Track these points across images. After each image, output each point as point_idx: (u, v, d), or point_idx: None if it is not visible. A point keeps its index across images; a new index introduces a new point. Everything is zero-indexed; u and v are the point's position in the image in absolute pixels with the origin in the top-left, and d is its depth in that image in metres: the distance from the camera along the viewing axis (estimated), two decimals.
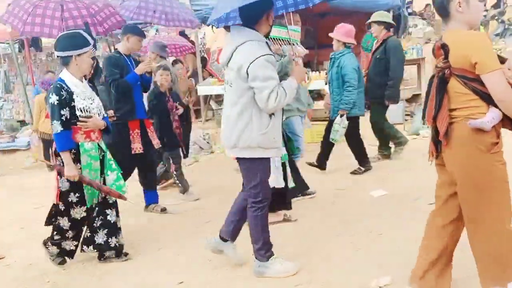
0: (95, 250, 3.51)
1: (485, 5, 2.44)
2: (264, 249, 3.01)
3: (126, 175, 4.22)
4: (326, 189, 4.92)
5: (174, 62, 7.46)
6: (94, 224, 3.47)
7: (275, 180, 3.49)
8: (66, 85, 3.25)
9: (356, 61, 5.30)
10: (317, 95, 8.90)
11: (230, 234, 3.19)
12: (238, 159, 2.99)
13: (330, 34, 5.32)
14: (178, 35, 9.95)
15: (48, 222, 3.55)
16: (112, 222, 3.50)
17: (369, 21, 5.70)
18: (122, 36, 4.65)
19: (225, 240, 3.20)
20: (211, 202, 4.98)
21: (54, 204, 3.45)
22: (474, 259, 2.31)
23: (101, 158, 3.41)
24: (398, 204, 4.14)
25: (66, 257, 3.54)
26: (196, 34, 9.71)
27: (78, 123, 3.28)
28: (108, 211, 3.48)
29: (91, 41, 3.35)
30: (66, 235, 3.45)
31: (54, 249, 3.51)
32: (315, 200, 4.59)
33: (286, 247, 3.42)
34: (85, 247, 3.53)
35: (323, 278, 2.95)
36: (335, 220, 3.95)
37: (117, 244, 3.52)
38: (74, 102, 3.25)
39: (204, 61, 9.82)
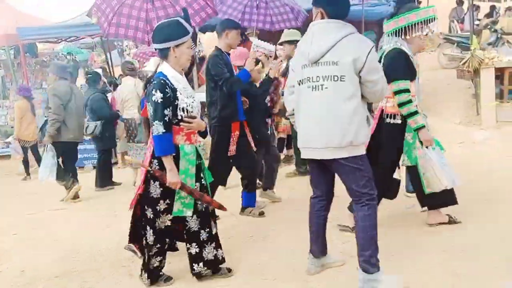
0: (206, 268, 3.13)
1: (477, 15, 2.55)
2: (375, 255, 2.72)
3: (220, 180, 4.21)
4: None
5: None
6: (200, 238, 3.09)
7: (449, 178, 3.47)
8: (169, 81, 2.90)
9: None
10: None
11: (322, 248, 3.10)
12: (342, 159, 2.70)
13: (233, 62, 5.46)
14: None
15: (133, 239, 3.27)
16: (215, 234, 3.17)
17: (280, 41, 5.58)
18: (220, 32, 4.32)
19: (321, 256, 3.10)
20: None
21: (136, 218, 3.16)
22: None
23: (197, 163, 3.06)
24: (392, 211, 4.15)
25: (150, 276, 3.14)
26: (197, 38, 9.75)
27: (181, 124, 2.95)
28: (211, 222, 3.15)
29: (190, 30, 2.99)
30: (151, 252, 3.08)
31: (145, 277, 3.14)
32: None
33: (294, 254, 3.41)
34: (195, 266, 3.12)
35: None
36: (328, 226, 3.95)
37: (222, 257, 3.20)
38: (177, 100, 2.91)
39: (198, 67, 9.84)
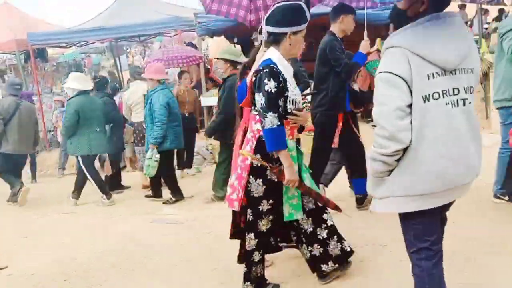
0: (337, 265, 2.94)
1: (486, 18, 2.43)
2: None
3: (319, 174, 4.14)
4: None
5: (181, 73, 7.53)
6: (319, 237, 2.90)
7: None
8: (279, 70, 2.63)
9: (167, 97, 5.50)
10: None
11: None
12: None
13: (144, 75, 5.55)
14: (185, 46, 10.03)
15: (243, 256, 2.98)
16: (332, 226, 2.94)
17: (217, 57, 5.53)
18: (334, 18, 4.25)
19: None
20: (212, 212, 4.97)
21: (244, 223, 2.88)
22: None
23: (298, 161, 2.84)
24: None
25: (258, 286, 2.89)
26: (200, 44, 9.80)
27: (288, 117, 2.70)
28: (324, 216, 2.93)
29: (308, 18, 2.72)
30: (254, 258, 2.83)
31: None
32: None
33: (290, 260, 3.40)
34: (324, 266, 2.92)
35: None
36: None
37: (350, 248, 2.99)
38: (287, 91, 2.66)
39: (207, 72, 9.90)
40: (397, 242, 3.50)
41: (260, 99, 2.60)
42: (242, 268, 3.33)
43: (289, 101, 2.67)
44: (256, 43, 9.99)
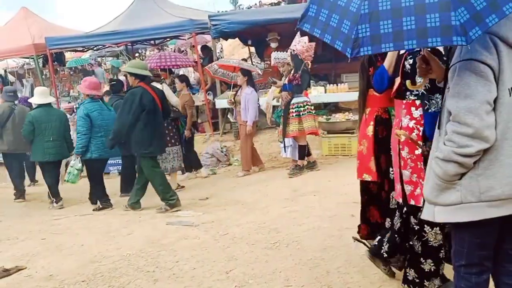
0: None
1: None
2: None
3: None
4: (345, 202, 4.88)
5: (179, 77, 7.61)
6: None
7: None
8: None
9: (87, 109, 5.90)
10: (334, 107, 8.89)
11: None
12: None
13: (78, 88, 5.92)
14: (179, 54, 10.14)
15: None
16: None
17: (123, 70, 6.04)
18: None
19: None
20: (228, 214, 4.98)
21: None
22: None
23: None
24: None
25: None
26: (214, 47, 9.84)
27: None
28: None
29: None
30: (426, 266, 2.51)
31: None
32: (334, 212, 4.55)
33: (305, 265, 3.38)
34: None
35: None
36: (353, 234, 3.91)
37: None
38: None
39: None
40: None
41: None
42: (257, 270, 3.34)
43: None
44: (272, 45, 10.08)
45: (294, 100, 6.27)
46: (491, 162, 1.75)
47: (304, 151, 6.51)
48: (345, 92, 8.45)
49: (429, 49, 2.14)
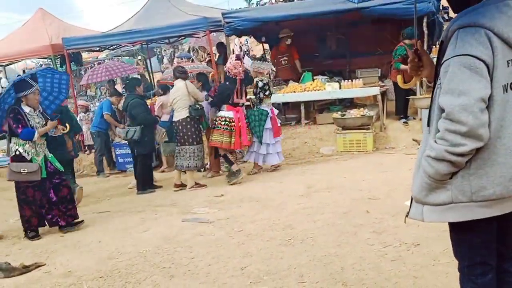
0: None
1: None
2: None
3: None
4: (360, 198, 4.86)
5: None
6: None
7: None
8: None
9: None
10: (349, 103, 8.83)
11: None
12: None
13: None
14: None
15: None
16: None
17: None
18: None
19: None
20: (243, 211, 5.00)
21: None
22: None
23: None
24: None
25: None
26: (228, 44, 9.85)
27: None
28: None
29: None
30: None
31: None
32: (349, 208, 4.53)
33: (320, 259, 3.38)
34: None
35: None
36: (368, 230, 3.89)
37: None
38: None
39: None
40: (430, 242, 3.45)
41: None
42: (272, 266, 3.35)
43: None
44: (287, 42, 10.08)
45: (219, 113, 6.62)
46: (484, 161, 1.69)
47: (227, 160, 6.82)
48: (360, 88, 8.38)
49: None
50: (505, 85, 1.66)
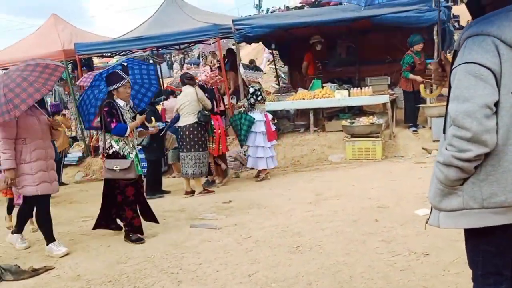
0: None
1: None
2: None
3: None
4: (369, 207, 4.83)
5: None
6: None
7: None
8: None
9: None
10: (358, 111, 8.82)
11: None
12: None
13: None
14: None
15: None
16: None
17: None
18: None
19: None
20: (251, 217, 4.99)
21: None
22: None
23: None
24: None
25: None
26: (238, 51, 9.89)
27: None
28: None
29: None
30: None
31: None
32: (358, 216, 4.51)
33: (327, 268, 3.37)
34: None
35: None
36: (377, 239, 3.87)
37: None
38: None
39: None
40: (439, 251, 3.41)
41: None
42: (280, 274, 3.34)
43: None
44: (317, 48, 10.19)
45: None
46: (494, 167, 1.69)
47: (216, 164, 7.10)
48: (369, 95, 8.37)
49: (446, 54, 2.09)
50: None
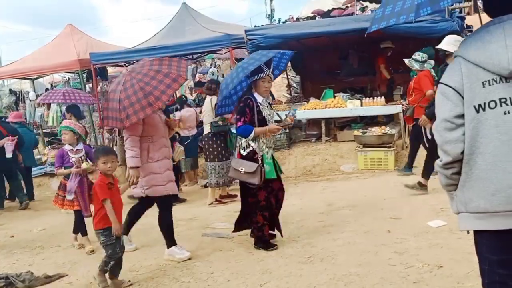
0: None
1: None
2: None
3: None
4: (381, 218, 4.80)
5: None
6: None
7: None
8: None
9: None
10: (370, 120, 8.79)
11: None
12: None
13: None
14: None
15: None
16: None
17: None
18: None
19: None
20: None
21: None
22: None
23: None
24: (458, 236, 3.94)
25: None
26: None
27: None
28: None
29: None
30: None
31: None
32: (370, 227, 4.48)
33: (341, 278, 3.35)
34: None
35: None
36: (390, 250, 3.84)
37: None
38: None
39: None
40: (453, 264, 3.37)
41: None
42: (291, 284, 3.33)
43: None
44: (388, 54, 10.14)
45: None
46: (467, 175, 1.84)
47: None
48: (381, 105, 8.34)
49: None
50: (478, 105, 1.78)
